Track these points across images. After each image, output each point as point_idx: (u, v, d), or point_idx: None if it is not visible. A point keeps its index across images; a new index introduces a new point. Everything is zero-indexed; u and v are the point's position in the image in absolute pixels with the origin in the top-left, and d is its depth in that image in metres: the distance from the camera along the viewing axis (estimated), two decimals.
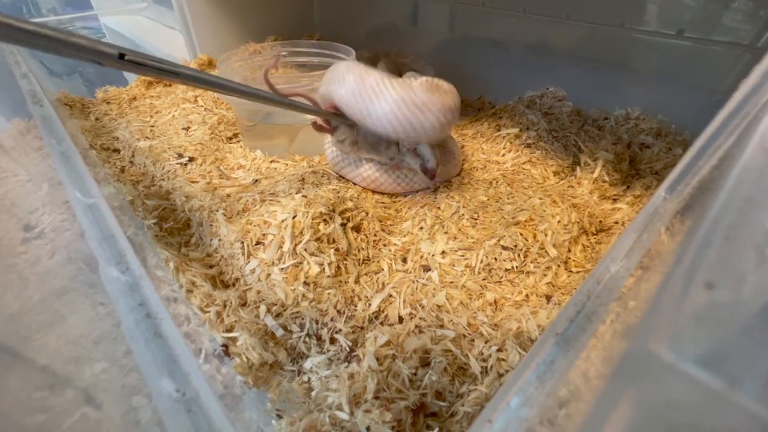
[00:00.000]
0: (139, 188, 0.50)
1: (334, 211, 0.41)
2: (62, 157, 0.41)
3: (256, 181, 0.52)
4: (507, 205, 0.46)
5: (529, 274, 0.37)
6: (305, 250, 0.37)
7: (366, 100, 0.40)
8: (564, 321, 0.18)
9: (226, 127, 0.67)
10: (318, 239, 0.38)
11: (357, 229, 0.42)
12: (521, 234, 0.39)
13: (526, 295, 0.37)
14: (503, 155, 0.55)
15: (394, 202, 0.50)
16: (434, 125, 0.40)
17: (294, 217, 0.38)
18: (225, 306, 0.35)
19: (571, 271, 0.41)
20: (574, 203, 0.44)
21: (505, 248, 0.38)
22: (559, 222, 0.41)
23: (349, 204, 0.42)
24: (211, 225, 0.43)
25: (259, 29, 0.94)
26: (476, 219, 0.44)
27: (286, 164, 0.56)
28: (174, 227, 0.46)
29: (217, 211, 0.44)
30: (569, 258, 0.41)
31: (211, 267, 0.41)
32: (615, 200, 0.48)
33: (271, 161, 0.57)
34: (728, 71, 0.56)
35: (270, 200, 0.45)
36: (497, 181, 0.52)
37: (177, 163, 0.56)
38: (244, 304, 0.36)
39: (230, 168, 0.57)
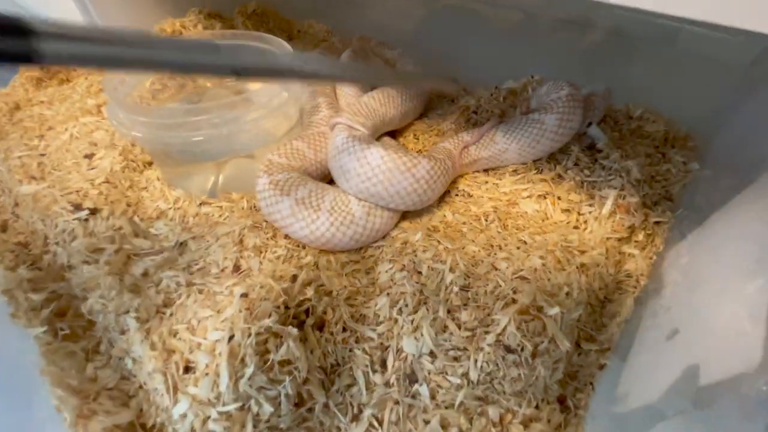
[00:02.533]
0: (20, 271, 0.38)
1: (288, 307, 0.31)
2: None
3: (182, 244, 0.40)
4: (501, 262, 0.37)
5: (538, 377, 0.30)
6: (250, 385, 0.27)
7: None
8: None
9: (143, 149, 0.53)
10: (267, 367, 0.28)
11: (320, 326, 0.33)
12: (526, 325, 0.31)
13: (536, 406, 0.30)
14: (499, 178, 0.46)
15: (363, 256, 0.41)
16: None
17: (231, 338, 0.28)
18: None
19: (581, 350, 0.34)
20: (582, 263, 0.36)
21: (509, 350, 0.30)
22: (567, 295, 0.34)
23: (308, 293, 0.33)
24: (122, 334, 0.32)
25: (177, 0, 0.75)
26: (467, 290, 0.35)
27: (220, 207, 0.44)
28: (77, 326, 0.35)
29: (128, 312, 0.32)
30: (579, 333, 0.34)
31: (130, 398, 0.31)
32: (625, 240, 0.40)
33: (201, 204, 0.45)
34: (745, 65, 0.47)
35: (199, 285, 0.34)
36: (488, 218, 0.43)
37: (74, 219, 0.43)
38: None
39: (149, 217, 0.44)
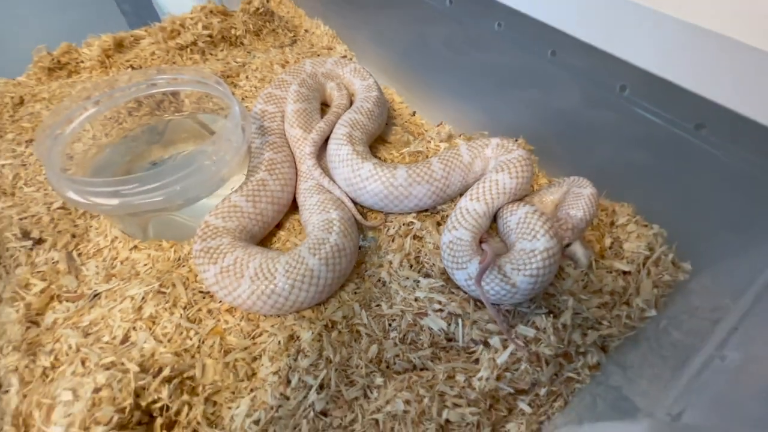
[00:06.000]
0: None
1: (138, 407, 0.32)
2: None
3: (96, 296, 0.43)
4: (374, 390, 0.35)
5: None
6: None
7: None
8: None
9: None
10: None
11: (169, 426, 0.34)
12: None
13: None
14: (425, 275, 0.43)
15: (255, 342, 0.41)
16: None
17: None
18: None
19: None
20: (447, 420, 0.33)
21: None
22: None
23: (163, 393, 0.34)
24: (5, 393, 0.36)
25: None
26: (324, 417, 0.34)
27: (148, 255, 0.46)
28: None
29: (16, 370, 0.36)
30: None
31: None
32: (522, 393, 0.36)
33: (132, 248, 0.47)
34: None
35: (85, 354, 0.37)
36: (392, 323, 0.40)
37: (21, 247, 0.47)
38: None
39: (87, 254, 0.47)
